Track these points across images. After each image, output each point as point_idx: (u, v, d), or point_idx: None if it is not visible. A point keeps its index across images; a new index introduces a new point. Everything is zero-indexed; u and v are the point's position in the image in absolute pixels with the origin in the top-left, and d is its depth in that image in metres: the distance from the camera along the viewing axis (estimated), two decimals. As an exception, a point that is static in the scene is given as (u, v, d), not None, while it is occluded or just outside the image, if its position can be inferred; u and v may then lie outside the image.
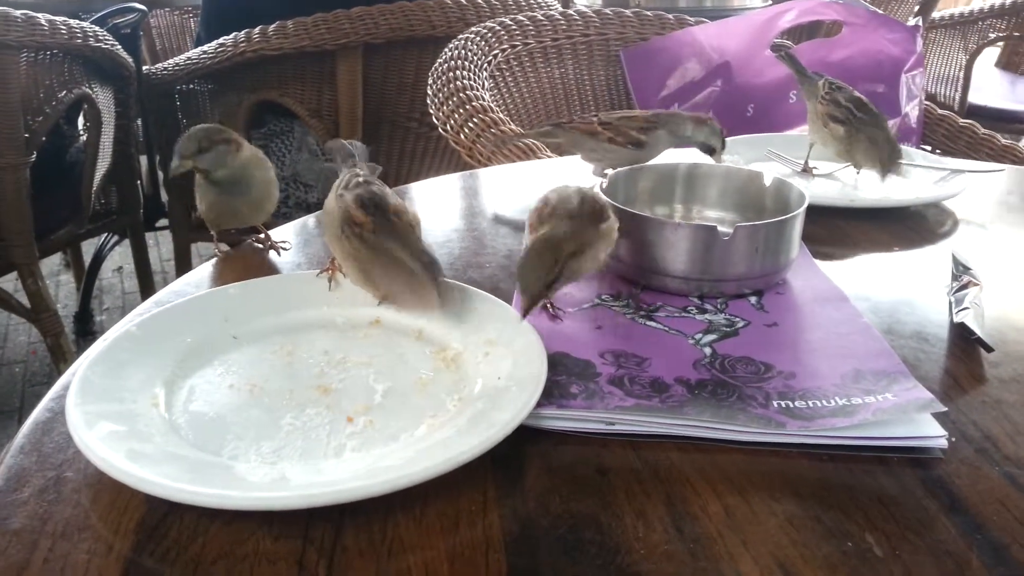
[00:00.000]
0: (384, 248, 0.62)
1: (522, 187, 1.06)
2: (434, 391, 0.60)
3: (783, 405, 0.58)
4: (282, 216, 1.99)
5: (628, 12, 1.69)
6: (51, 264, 2.97)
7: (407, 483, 0.48)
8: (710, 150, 0.93)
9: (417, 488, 0.48)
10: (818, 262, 0.81)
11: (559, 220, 0.65)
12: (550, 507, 0.49)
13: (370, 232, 0.63)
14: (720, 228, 0.72)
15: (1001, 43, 3.03)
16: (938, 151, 1.51)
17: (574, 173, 0.99)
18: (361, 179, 0.68)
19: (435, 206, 1.00)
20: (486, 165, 1.24)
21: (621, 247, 0.75)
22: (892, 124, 1.46)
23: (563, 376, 0.61)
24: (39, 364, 2.39)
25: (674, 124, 0.92)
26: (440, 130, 1.39)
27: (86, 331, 2.54)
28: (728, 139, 0.96)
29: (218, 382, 0.60)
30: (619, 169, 0.85)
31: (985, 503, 0.50)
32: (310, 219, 0.91)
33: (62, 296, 2.78)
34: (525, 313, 0.63)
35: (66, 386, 0.57)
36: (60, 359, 1.97)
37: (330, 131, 1.87)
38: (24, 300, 1.92)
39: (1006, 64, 3.18)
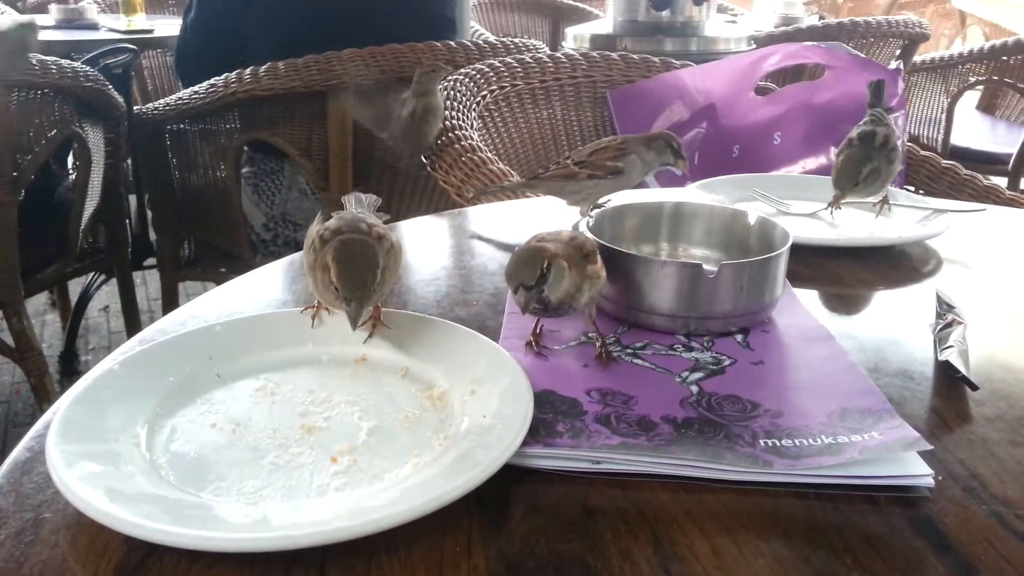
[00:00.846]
0: (328, 259, 0.63)
1: (511, 225, 1.06)
2: (420, 430, 0.60)
3: (770, 444, 0.58)
4: (271, 255, 1.99)
5: (615, 55, 1.72)
6: (37, 303, 2.95)
7: (390, 524, 0.48)
8: (670, 163, 0.94)
9: (401, 529, 0.48)
10: (803, 300, 0.82)
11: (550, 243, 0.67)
12: (536, 548, 0.48)
13: (330, 237, 0.64)
14: (706, 266, 0.72)
15: (981, 87, 3.09)
16: (921, 191, 1.53)
17: (561, 212, 0.99)
18: (352, 213, 0.70)
19: (423, 244, 1.00)
20: (474, 204, 1.25)
21: (607, 285, 0.75)
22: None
23: (549, 414, 0.61)
24: (22, 404, 2.37)
25: (637, 147, 0.93)
26: (429, 170, 1.40)
27: (71, 371, 2.51)
28: (714, 179, 0.97)
29: (201, 421, 0.60)
30: (605, 208, 0.86)
31: (974, 542, 0.50)
32: (296, 256, 0.92)
33: (47, 335, 2.76)
34: (524, 309, 0.64)
35: (47, 425, 0.56)
36: (43, 399, 1.94)
37: (320, 170, 1.88)
38: (9, 339, 1.90)
39: (986, 107, 3.24)
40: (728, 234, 0.85)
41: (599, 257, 0.70)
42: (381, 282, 0.64)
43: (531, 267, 0.65)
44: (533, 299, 0.65)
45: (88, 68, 1.85)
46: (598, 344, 0.70)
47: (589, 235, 0.74)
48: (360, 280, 0.62)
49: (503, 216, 1.12)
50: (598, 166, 0.93)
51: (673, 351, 0.72)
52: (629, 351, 0.72)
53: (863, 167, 1.01)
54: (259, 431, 0.59)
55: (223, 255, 2.03)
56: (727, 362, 0.70)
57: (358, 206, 0.76)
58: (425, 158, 1.41)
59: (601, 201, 0.94)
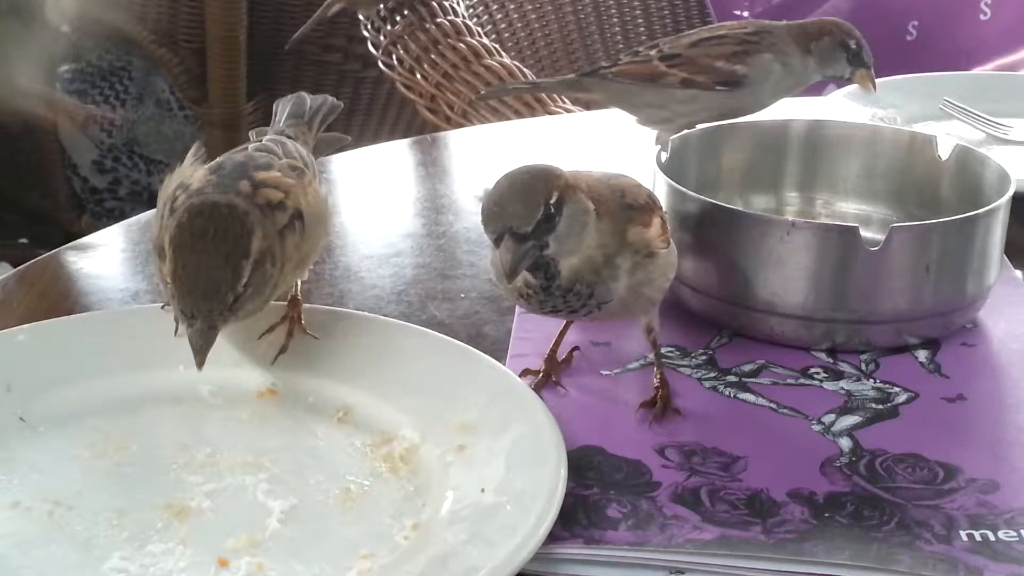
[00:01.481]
0: (165, 238, 0.63)
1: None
2: (371, 512, 0.59)
3: (979, 537, 0.58)
4: (107, 214, 2.00)
5: None
6: None
7: None
8: (842, 76, 0.93)
9: None
10: (1033, 291, 0.82)
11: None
12: None
13: (184, 204, 0.63)
14: (864, 231, 0.72)
15: None
16: None
17: (626, 137, 0.99)
18: (259, 143, 0.71)
19: (371, 193, 1.00)
20: (459, 124, 1.24)
21: (691, 265, 0.74)
22: None
23: (595, 488, 0.61)
24: None
25: (780, 42, 0.93)
26: (381, 65, 1.40)
27: None
28: (877, 80, 0.97)
29: (-8, 498, 0.60)
30: (690, 133, 0.85)
31: None
32: (148, 217, 0.91)
33: None
34: (512, 273, 0.61)
35: None
36: None
37: (190, 69, 1.87)
38: None
39: None
40: (903, 177, 0.85)
41: (664, 219, 0.69)
42: (255, 287, 0.63)
43: (527, 198, 0.61)
44: (528, 259, 0.61)
45: None
46: (655, 380, 0.70)
47: (661, 177, 0.74)
48: (208, 284, 0.61)
49: (514, 144, 1.12)
50: (703, 67, 0.93)
51: (808, 379, 0.71)
52: (731, 378, 0.71)
53: None
54: (94, 515, 0.59)
55: (26, 217, 2.04)
56: (901, 398, 0.69)
57: (291, 119, 0.77)
58: (376, 46, 1.40)
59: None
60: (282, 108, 0.79)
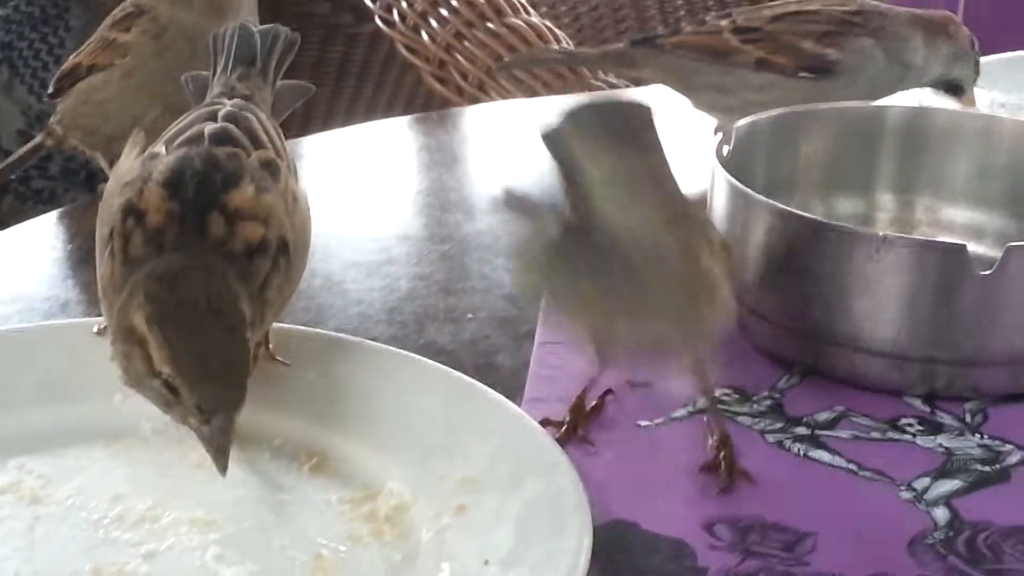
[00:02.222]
0: (132, 318, 0.62)
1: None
2: (347, 590, 0.59)
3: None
4: (33, 195, 2.00)
5: None
6: None
7: None
8: (953, 87, 0.94)
9: None
10: None
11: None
12: None
13: (142, 255, 0.64)
14: (975, 248, 0.73)
15: None
16: None
17: (682, 123, 0.99)
18: (212, 127, 0.70)
19: (361, 183, 1.00)
20: (474, 99, 1.24)
21: (756, 287, 0.75)
22: None
23: (624, 574, 0.60)
24: None
25: (889, 28, 0.93)
26: (378, 21, 1.40)
27: None
28: (984, 59, 0.96)
29: None
30: (758, 118, 0.86)
31: None
32: (85, 205, 0.93)
33: None
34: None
35: None
36: None
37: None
38: None
39: None
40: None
41: (724, 245, 0.68)
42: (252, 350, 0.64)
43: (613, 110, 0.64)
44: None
45: None
46: (712, 439, 0.70)
47: (721, 175, 0.74)
48: (226, 368, 0.62)
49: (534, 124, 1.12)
50: (785, 47, 0.94)
51: (899, 432, 0.72)
52: (802, 431, 0.71)
53: None
54: None
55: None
56: (1014, 458, 0.70)
57: (239, 66, 0.76)
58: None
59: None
60: (223, 49, 0.78)
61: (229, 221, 0.65)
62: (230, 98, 0.73)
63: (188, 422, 0.62)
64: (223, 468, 0.61)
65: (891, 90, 0.96)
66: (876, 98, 0.95)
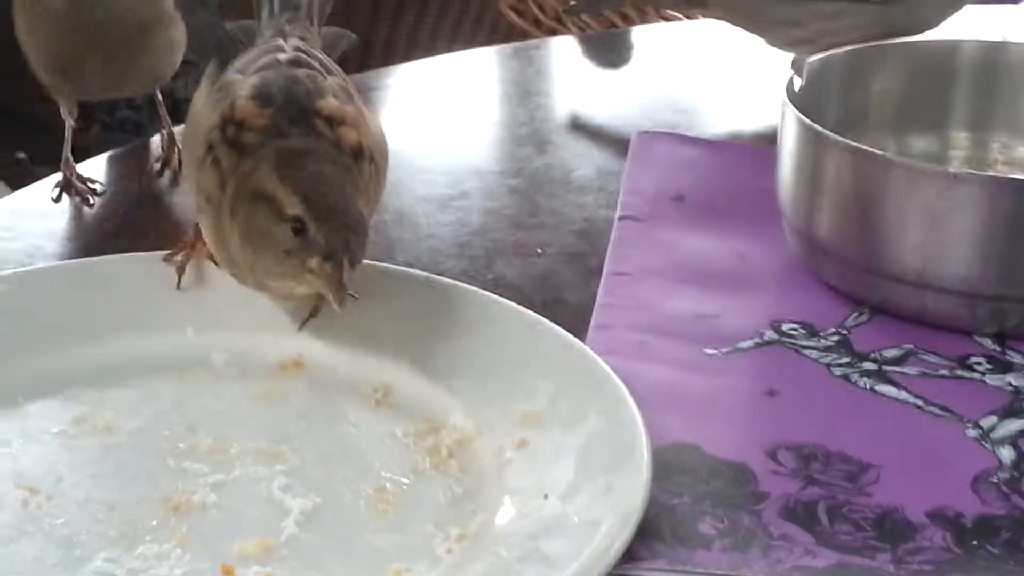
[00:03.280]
0: (261, 177, 0.64)
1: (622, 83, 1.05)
2: (409, 518, 0.60)
3: None
4: (118, 125, 2.01)
5: None
6: None
7: None
8: None
9: None
10: None
11: None
12: None
13: (256, 142, 0.66)
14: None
15: None
16: None
17: (752, 58, 0.99)
18: (286, 55, 0.72)
19: (432, 116, 1.00)
20: (552, 31, 1.24)
21: (825, 223, 0.76)
22: None
23: (685, 496, 0.61)
24: None
25: None
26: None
27: None
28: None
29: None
30: (833, 52, 0.85)
31: None
32: (155, 142, 0.93)
33: None
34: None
35: None
36: None
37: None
38: None
39: None
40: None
41: None
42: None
43: None
44: None
45: None
46: None
47: (791, 112, 0.74)
48: (352, 211, 0.64)
49: (617, 59, 1.11)
50: None
51: (967, 370, 0.71)
52: (869, 366, 0.71)
53: None
54: (76, 507, 0.60)
55: (24, 128, 2.05)
56: (1084, 399, 0.69)
57: (286, 10, 0.77)
58: None
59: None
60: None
61: (329, 125, 0.67)
62: (286, 40, 0.74)
63: (310, 266, 0.63)
64: (341, 302, 0.63)
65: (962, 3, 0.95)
66: (949, 15, 0.94)
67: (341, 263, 0.62)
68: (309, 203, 0.63)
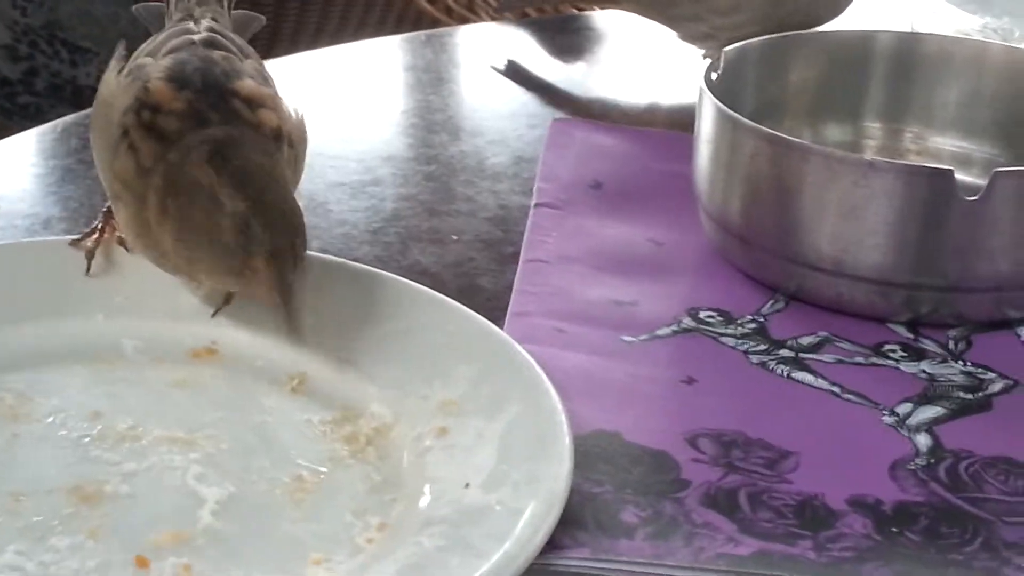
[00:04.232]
0: (193, 171, 0.63)
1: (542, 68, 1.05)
2: (327, 507, 0.60)
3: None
4: (18, 111, 1.99)
5: None
6: None
7: None
8: None
9: None
10: None
11: None
12: None
13: (176, 128, 0.65)
14: (962, 176, 0.72)
15: None
16: None
17: (663, 52, 1.00)
18: (199, 35, 0.71)
19: (346, 103, 1.00)
20: (463, 19, 1.24)
21: (742, 211, 0.77)
22: None
23: (607, 485, 0.61)
24: None
25: None
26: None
27: None
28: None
29: None
30: (748, 44, 0.85)
31: None
32: (70, 122, 0.92)
33: None
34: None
35: None
36: None
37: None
38: None
39: None
40: (1015, 108, 0.85)
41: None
42: None
43: None
44: None
45: None
46: None
47: (709, 100, 0.74)
48: (292, 211, 0.64)
49: (533, 48, 1.12)
50: None
51: (882, 357, 0.72)
52: (786, 353, 0.72)
53: None
54: None
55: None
56: (997, 386, 0.70)
57: (179, 3, 0.76)
58: None
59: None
60: None
61: (250, 108, 0.66)
62: (196, 22, 0.73)
63: (255, 264, 0.62)
64: (293, 318, 0.63)
65: None
66: (843, 8, 0.96)
67: (287, 262, 0.62)
68: (251, 199, 0.62)
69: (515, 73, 1.06)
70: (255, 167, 0.63)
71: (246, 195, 0.62)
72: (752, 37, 0.87)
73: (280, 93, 0.70)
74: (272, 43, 1.88)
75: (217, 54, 0.69)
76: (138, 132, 0.66)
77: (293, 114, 0.70)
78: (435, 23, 1.26)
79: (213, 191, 0.62)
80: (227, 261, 0.63)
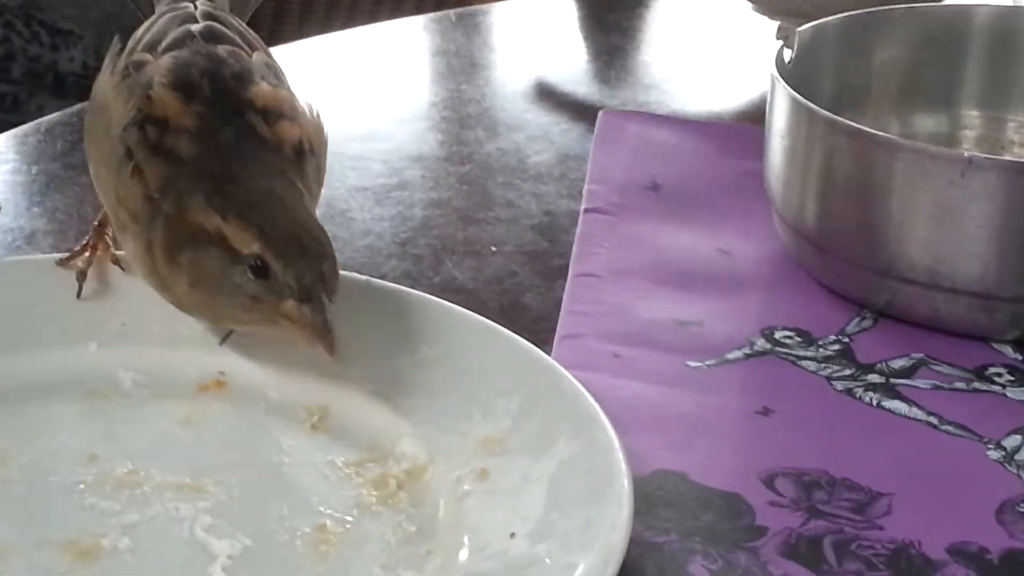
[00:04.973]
0: (197, 218, 0.62)
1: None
2: (354, 560, 0.59)
3: None
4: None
5: None
6: None
7: None
8: None
9: None
10: None
11: None
12: None
13: (188, 152, 0.64)
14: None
15: None
16: None
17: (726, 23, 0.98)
18: (197, 27, 0.70)
19: (368, 95, 0.99)
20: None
21: (821, 217, 0.75)
22: None
23: (672, 534, 0.60)
24: None
25: None
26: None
27: None
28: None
29: None
30: (827, 20, 0.83)
31: None
32: (55, 121, 0.91)
33: None
34: None
35: None
36: None
37: None
38: None
39: None
40: None
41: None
42: None
43: None
44: None
45: None
46: None
47: (781, 88, 0.72)
48: (320, 239, 0.63)
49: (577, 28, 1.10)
50: None
51: (985, 382, 0.70)
52: (875, 378, 0.70)
53: None
54: None
55: None
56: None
57: None
58: None
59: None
60: None
61: (266, 120, 0.66)
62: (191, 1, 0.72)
63: (285, 311, 0.62)
64: (331, 348, 0.62)
65: None
66: None
67: (320, 302, 0.61)
68: (265, 236, 0.61)
69: (559, 57, 1.05)
70: (261, 196, 0.63)
71: (258, 232, 0.61)
72: (848, 11, 0.87)
73: (293, 89, 0.70)
74: (277, 24, 1.89)
75: (223, 49, 0.68)
76: (143, 152, 0.65)
77: (308, 112, 0.69)
78: (461, 2, 1.25)
79: (221, 235, 0.62)
80: (255, 314, 0.63)
